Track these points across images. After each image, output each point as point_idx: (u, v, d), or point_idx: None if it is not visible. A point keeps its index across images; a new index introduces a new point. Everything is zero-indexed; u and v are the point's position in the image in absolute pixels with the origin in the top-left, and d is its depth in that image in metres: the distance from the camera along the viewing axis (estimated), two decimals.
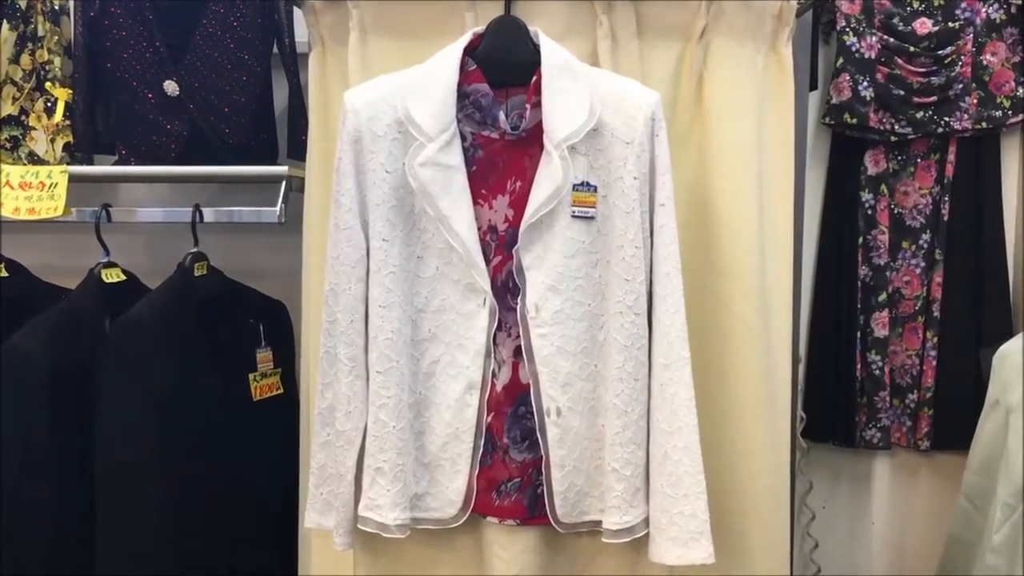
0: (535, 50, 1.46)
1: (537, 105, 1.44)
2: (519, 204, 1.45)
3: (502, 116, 1.46)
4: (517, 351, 1.47)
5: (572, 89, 1.43)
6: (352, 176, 1.45)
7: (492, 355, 1.47)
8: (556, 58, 1.45)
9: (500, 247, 1.47)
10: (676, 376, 1.44)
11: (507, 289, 1.47)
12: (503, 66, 1.47)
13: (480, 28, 1.49)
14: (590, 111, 1.42)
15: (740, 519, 1.67)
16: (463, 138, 1.45)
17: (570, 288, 1.44)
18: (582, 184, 1.43)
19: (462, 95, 1.45)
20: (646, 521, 1.47)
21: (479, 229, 1.45)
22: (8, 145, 2.07)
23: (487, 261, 1.46)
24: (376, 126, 1.44)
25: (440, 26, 1.62)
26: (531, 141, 1.46)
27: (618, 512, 1.45)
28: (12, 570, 1.74)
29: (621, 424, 1.44)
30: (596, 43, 1.62)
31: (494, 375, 1.47)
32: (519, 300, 1.45)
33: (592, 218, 1.44)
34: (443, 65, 1.46)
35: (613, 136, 1.43)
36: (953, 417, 2.15)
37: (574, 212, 1.43)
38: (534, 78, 1.45)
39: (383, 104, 1.44)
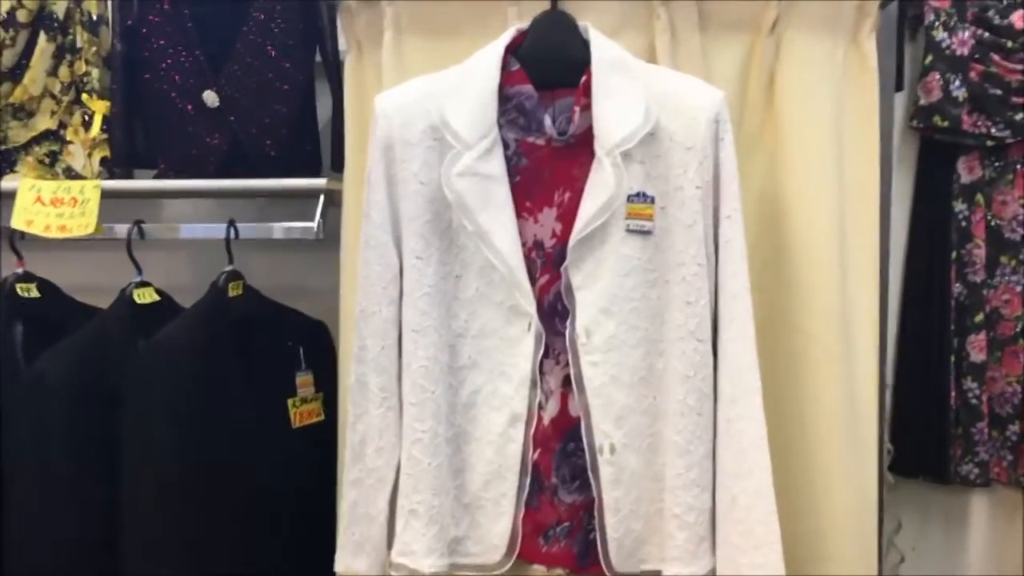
0: (584, 47, 1.36)
1: (587, 107, 1.34)
2: (568, 217, 1.35)
3: (548, 120, 1.36)
4: (566, 380, 1.37)
5: (626, 89, 1.33)
6: (383, 188, 1.37)
7: (538, 385, 1.37)
8: (608, 55, 1.35)
9: (547, 265, 1.37)
10: (745, 411, 1.32)
11: (555, 312, 1.37)
12: (549, 65, 1.37)
13: (524, 24, 1.40)
14: (646, 113, 1.31)
15: (819, 567, 1.53)
16: (505, 145, 1.36)
17: (625, 311, 1.33)
18: (638, 195, 1.32)
19: (504, 98, 1.36)
20: (713, 572, 1.34)
21: (523, 245, 1.35)
22: (47, 160, 2.03)
23: (532, 281, 1.36)
24: (409, 133, 1.35)
25: (480, 23, 1.53)
26: (581, 148, 1.35)
27: (680, 563, 1.34)
28: None
29: (683, 464, 1.33)
30: (653, 38, 1.52)
31: (540, 407, 1.37)
32: (568, 324, 1.35)
33: (649, 232, 1.33)
34: (483, 65, 1.36)
35: (672, 140, 1.32)
36: None
37: (629, 226, 1.33)
38: (583, 78, 1.35)
39: (417, 108, 1.36)
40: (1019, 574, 2.13)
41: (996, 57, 1.98)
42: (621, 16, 1.51)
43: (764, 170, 1.55)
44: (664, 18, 1.50)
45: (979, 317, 2.04)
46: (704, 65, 1.51)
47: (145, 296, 1.81)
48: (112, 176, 2.00)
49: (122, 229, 1.85)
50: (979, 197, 2.03)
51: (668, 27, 1.50)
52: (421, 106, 1.35)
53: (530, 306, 1.34)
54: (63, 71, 2.01)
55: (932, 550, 2.18)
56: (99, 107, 2.00)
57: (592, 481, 1.34)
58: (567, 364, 1.35)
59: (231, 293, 1.79)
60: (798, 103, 1.52)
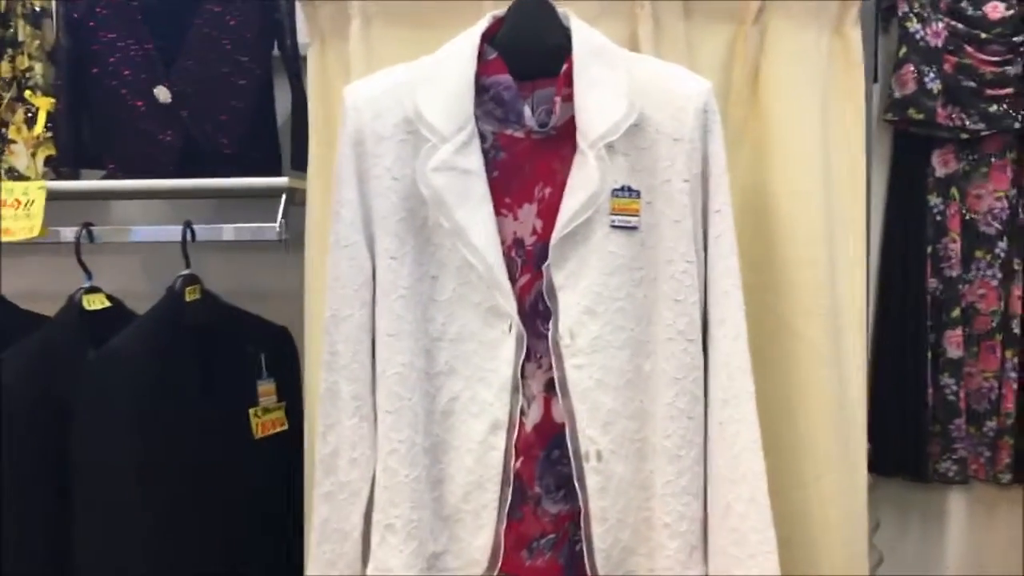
0: (565, 35, 1.29)
1: (568, 98, 1.27)
2: (549, 214, 1.27)
3: (527, 112, 1.29)
4: (549, 385, 1.29)
5: (609, 78, 1.26)
6: (354, 184, 1.28)
7: (520, 390, 1.29)
8: (590, 43, 1.28)
9: (528, 264, 1.29)
10: (738, 413, 1.26)
11: (536, 313, 1.29)
12: (528, 54, 1.29)
13: (500, 11, 1.32)
14: (630, 104, 1.24)
15: (809, 572, 1.48)
16: (482, 138, 1.28)
17: (610, 311, 1.26)
18: (622, 189, 1.26)
19: (481, 88, 1.28)
20: None
21: (503, 243, 1.28)
22: None
23: (512, 281, 1.28)
24: (381, 126, 1.27)
25: (454, 12, 1.45)
26: (562, 140, 1.28)
27: (671, 574, 1.26)
28: None
29: (674, 470, 1.26)
30: (636, 27, 1.45)
31: (523, 413, 1.29)
32: (550, 325, 1.27)
33: (635, 228, 1.26)
34: (458, 54, 1.28)
35: (658, 132, 1.26)
36: None
37: (614, 222, 1.25)
38: (564, 67, 1.27)
39: (389, 100, 1.27)
40: (999, 569, 2.12)
41: (970, 48, 1.97)
42: (602, 3, 1.45)
43: (748, 163, 1.49)
44: (648, 6, 1.44)
45: (955, 312, 2.03)
46: (688, 55, 1.45)
47: (95, 302, 1.74)
48: (58, 176, 1.94)
49: (70, 232, 1.77)
50: (954, 191, 2.02)
51: (651, 15, 1.44)
52: (393, 97, 1.27)
53: (510, 307, 1.26)
54: (4, 66, 1.94)
55: (911, 549, 2.17)
56: (43, 104, 1.93)
57: (578, 490, 1.27)
58: (550, 368, 1.28)
59: (188, 298, 1.71)
60: (783, 94, 1.47)
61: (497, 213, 1.27)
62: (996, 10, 1.96)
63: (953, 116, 1.98)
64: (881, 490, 2.07)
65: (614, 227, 1.25)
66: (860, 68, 1.51)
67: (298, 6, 1.75)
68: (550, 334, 1.27)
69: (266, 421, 1.80)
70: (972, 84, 1.96)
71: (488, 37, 1.29)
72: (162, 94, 1.83)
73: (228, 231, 1.78)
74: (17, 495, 1.62)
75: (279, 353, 1.84)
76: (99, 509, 1.60)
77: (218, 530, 1.67)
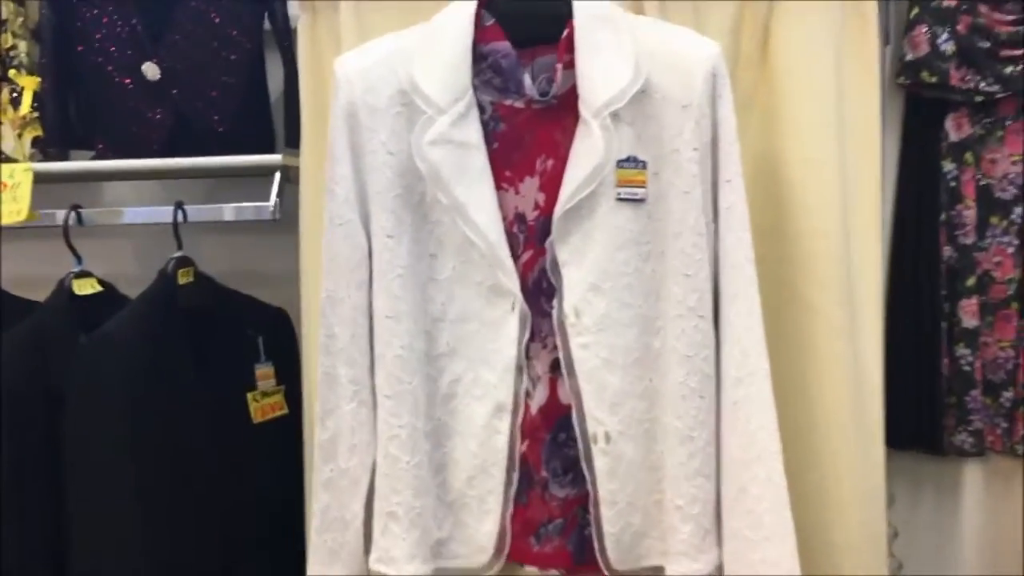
0: None
1: (570, 65, 1.22)
2: (551, 187, 1.23)
3: (528, 80, 1.24)
4: (554, 365, 1.25)
5: (612, 43, 1.21)
6: (348, 160, 1.24)
7: (524, 371, 1.25)
8: (592, 6, 1.23)
9: (530, 240, 1.25)
10: (752, 392, 1.22)
11: (540, 290, 1.25)
12: (527, 19, 1.25)
13: None
14: (635, 69, 1.19)
15: (828, 557, 1.45)
16: (481, 109, 1.24)
17: (617, 287, 1.22)
18: (628, 159, 1.21)
19: (478, 57, 1.23)
20: (720, 568, 1.24)
21: (504, 219, 1.24)
22: None
23: (515, 257, 1.24)
24: (375, 98, 1.23)
25: None
26: (564, 109, 1.23)
27: (685, 559, 1.23)
28: None
29: (685, 452, 1.22)
30: None
31: (528, 395, 1.26)
32: (555, 303, 1.23)
33: (642, 200, 1.22)
34: (454, 21, 1.24)
35: (665, 99, 1.21)
36: None
37: (619, 194, 1.21)
38: (565, 32, 1.22)
39: (382, 70, 1.23)
40: (1016, 543, 2.07)
41: (984, 8, 1.89)
42: None
43: (759, 131, 1.45)
44: None
45: (970, 281, 1.95)
46: (695, 19, 1.41)
47: (86, 287, 1.69)
48: (46, 158, 1.89)
49: (58, 215, 1.73)
50: (968, 156, 1.94)
51: None
52: (386, 67, 1.23)
53: (513, 285, 1.22)
54: None
55: (926, 523, 2.11)
56: (28, 83, 1.87)
57: (586, 473, 1.24)
58: (555, 347, 1.24)
59: (181, 281, 1.67)
60: (795, 56, 1.43)
61: (497, 187, 1.23)
62: None
63: (967, 78, 1.90)
64: (895, 464, 2.02)
65: (620, 199, 1.21)
66: (874, 26, 1.46)
67: None
68: (554, 312, 1.23)
69: (265, 405, 1.76)
70: (987, 45, 1.88)
71: (485, 2, 1.24)
72: (150, 71, 1.78)
73: (221, 211, 1.73)
74: (10, 482, 1.59)
75: (277, 336, 1.80)
76: (93, 496, 1.56)
77: (216, 516, 1.63)
